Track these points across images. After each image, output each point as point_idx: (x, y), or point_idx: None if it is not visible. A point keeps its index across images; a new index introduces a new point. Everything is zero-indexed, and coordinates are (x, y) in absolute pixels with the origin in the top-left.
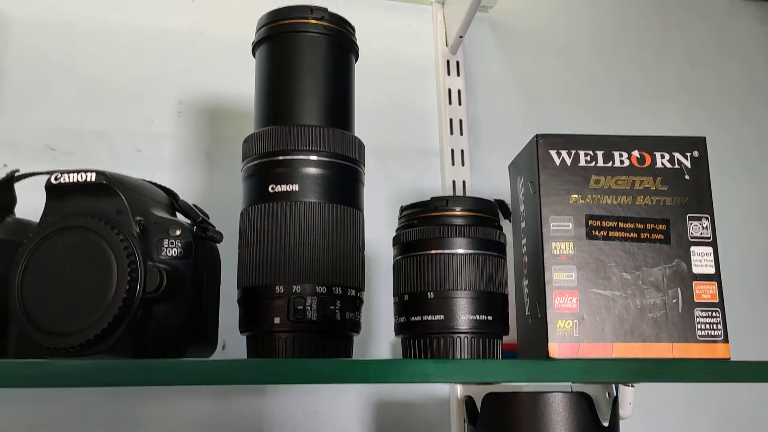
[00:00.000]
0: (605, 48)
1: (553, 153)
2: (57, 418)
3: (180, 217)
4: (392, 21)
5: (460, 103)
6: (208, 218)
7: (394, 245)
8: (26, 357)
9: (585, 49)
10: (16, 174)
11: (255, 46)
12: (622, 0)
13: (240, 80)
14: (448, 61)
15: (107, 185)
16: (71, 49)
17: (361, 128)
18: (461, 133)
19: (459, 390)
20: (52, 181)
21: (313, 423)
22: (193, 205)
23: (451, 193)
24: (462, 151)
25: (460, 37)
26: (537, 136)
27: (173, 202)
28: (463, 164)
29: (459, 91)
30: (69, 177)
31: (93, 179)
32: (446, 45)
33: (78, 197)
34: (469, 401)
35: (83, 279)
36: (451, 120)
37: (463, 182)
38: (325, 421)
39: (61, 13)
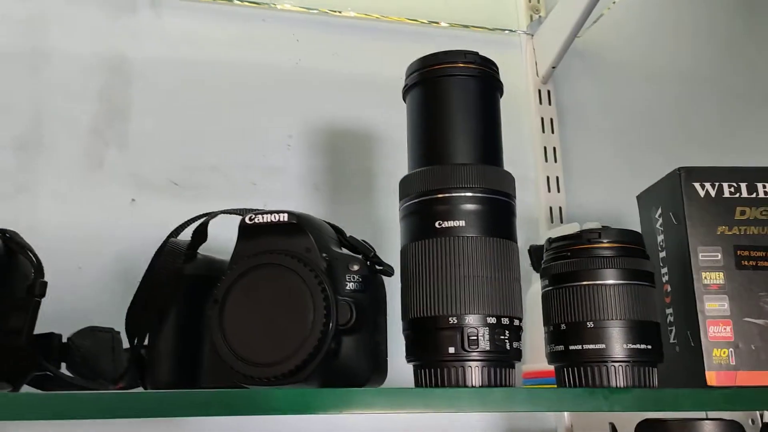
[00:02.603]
0: (690, 71)
1: (696, 185)
2: None
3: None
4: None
5: (552, 131)
6: (375, 252)
7: (542, 276)
8: (221, 385)
9: (671, 73)
10: (211, 215)
11: (407, 91)
12: (705, 23)
13: (343, 114)
14: (539, 91)
15: (297, 224)
16: (190, 88)
17: None
18: (555, 161)
19: (566, 419)
20: (247, 221)
21: None
22: (363, 240)
23: (548, 219)
24: (557, 178)
25: (553, 67)
26: (680, 169)
27: (341, 238)
28: (558, 191)
29: (551, 120)
30: (263, 218)
31: (285, 219)
32: (537, 75)
33: (269, 236)
34: (612, 426)
35: (281, 313)
36: (545, 148)
37: (560, 208)
38: None
39: (180, 55)
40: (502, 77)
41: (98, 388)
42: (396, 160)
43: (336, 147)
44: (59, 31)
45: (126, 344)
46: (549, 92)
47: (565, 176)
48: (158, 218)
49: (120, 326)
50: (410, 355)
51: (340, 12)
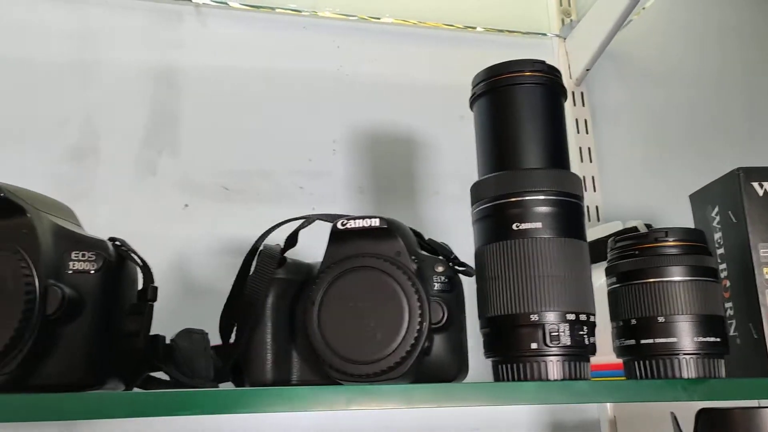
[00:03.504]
0: (719, 72)
1: (755, 185)
2: None
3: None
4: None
5: (587, 132)
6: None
7: (609, 274)
8: (312, 382)
9: (701, 74)
10: (305, 222)
11: (475, 99)
12: (734, 25)
13: (384, 118)
14: (573, 93)
15: (388, 229)
16: (236, 95)
17: None
18: (590, 161)
19: (609, 411)
20: (339, 226)
21: None
22: (441, 243)
23: (586, 218)
24: (593, 178)
25: (587, 69)
26: (739, 169)
27: (420, 241)
28: (594, 190)
29: (585, 121)
30: (355, 223)
31: (377, 225)
32: (570, 77)
33: (361, 240)
34: (673, 416)
35: (377, 313)
36: (580, 148)
37: (596, 207)
38: None
39: (225, 63)
40: None
41: (199, 387)
42: (435, 161)
43: (378, 150)
44: (109, 43)
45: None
46: (582, 94)
47: (600, 175)
48: (210, 222)
49: (174, 329)
50: (489, 351)
51: (378, 18)
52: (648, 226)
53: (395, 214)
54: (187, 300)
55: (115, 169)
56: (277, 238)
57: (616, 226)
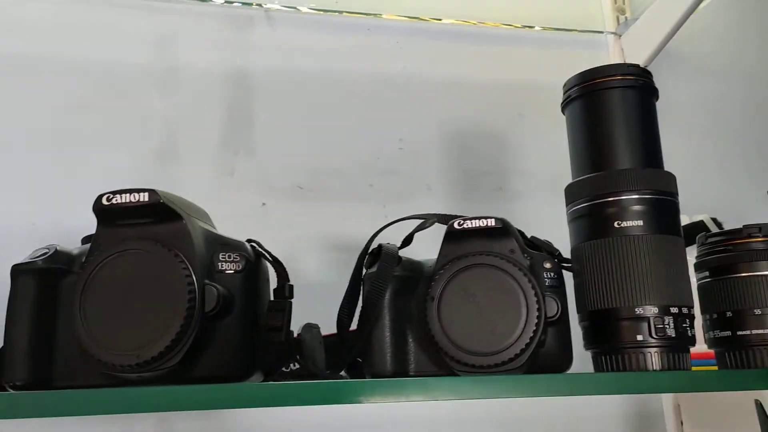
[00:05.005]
0: None
1: None
2: None
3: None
4: (564, 53)
5: None
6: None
7: (700, 269)
8: (427, 373)
9: (759, 71)
10: (424, 223)
11: (568, 103)
12: None
13: (447, 117)
14: None
15: (504, 228)
16: (305, 96)
17: None
18: None
19: (672, 400)
20: (456, 226)
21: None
22: (545, 240)
23: None
24: None
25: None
26: None
27: (524, 239)
28: None
29: None
30: (471, 223)
31: (493, 224)
32: None
33: (477, 239)
34: (758, 403)
35: (495, 308)
36: None
37: None
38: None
39: (295, 66)
40: None
41: (326, 378)
42: (496, 158)
43: (444, 149)
44: (184, 48)
45: None
46: None
47: None
48: (287, 221)
49: None
50: (590, 344)
51: (440, 19)
52: (714, 220)
53: (462, 210)
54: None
55: (195, 171)
56: (342, 234)
57: (683, 221)
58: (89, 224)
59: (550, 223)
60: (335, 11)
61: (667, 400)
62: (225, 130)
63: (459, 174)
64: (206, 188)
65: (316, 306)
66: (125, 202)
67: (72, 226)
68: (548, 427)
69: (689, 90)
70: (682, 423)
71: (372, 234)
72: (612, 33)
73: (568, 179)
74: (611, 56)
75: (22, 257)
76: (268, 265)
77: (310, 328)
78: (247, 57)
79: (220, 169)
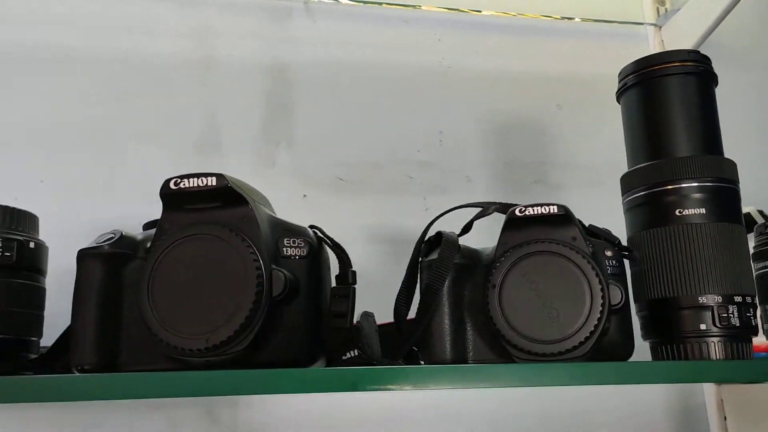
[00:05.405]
0: None
1: None
2: None
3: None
4: (603, 45)
5: None
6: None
7: (759, 259)
8: (486, 360)
9: None
10: (482, 212)
11: (624, 91)
12: None
13: (486, 108)
14: None
15: (566, 215)
16: (345, 88)
17: None
18: None
19: (716, 394)
20: (517, 213)
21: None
22: (603, 228)
23: None
24: None
25: None
26: None
27: (583, 226)
28: None
29: None
30: (533, 210)
31: (555, 211)
32: None
33: (538, 227)
34: None
35: (558, 295)
36: None
37: None
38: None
39: (334, 58)
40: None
41: (384, 364)
42: (534, 150)
43: (483, 140)
44: (223, 41)
45: None
46: None
47: None
48: (329, 212)
49: None
50: (649, 333)
51: (479, 11)
52: (760, 212)
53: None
54: None
55: (237, 162)
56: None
57: None
58: (133, 214)
59: (590, 215)
60: (374, 2)
61: (709, 394)
62: (265, 121)
63: (498, 166)
64: (248, 180)
65: (358, 297)
66: (193, 187)
67: (115, 217)
68: (588, 420)
69: (732, 83)
70: (725, 418)
71: (429, 222)
72: (652, 24)
73: (607, 171)
74: (651, 48)
75: (67, 249)
76: (329, 251)
77: (367, 316)
78: (287, 49)
79: (261, 161)
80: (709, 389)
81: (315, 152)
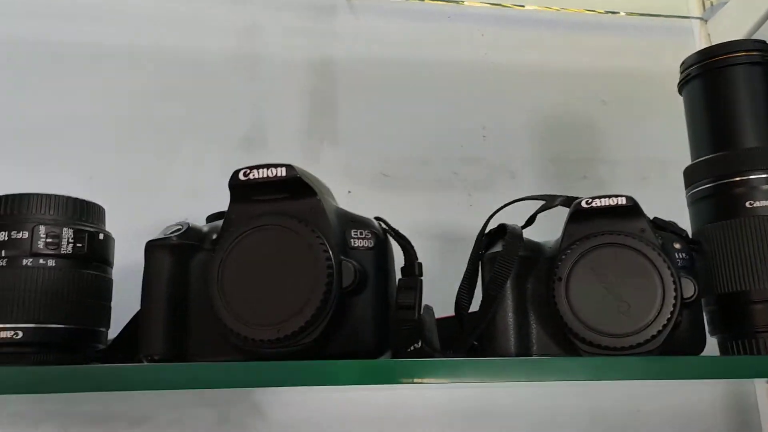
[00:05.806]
0: None
1: None
2: None
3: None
4: (648, 39)
5: None
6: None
7: None
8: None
9: None
10: (546, 204)
11: (687, 82)
12: None
13: (531, 104)
14: None
15: (634, 207)
16: (388, 85)
17: None
18: None
19: (765, 394)
20: (584, 205)
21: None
22: (670, 221)
23: None
24: None
25: None
26: None
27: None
28: None
29: None
30: (600, 201)
31: (623, 203)
32: None
33: (603, 218)
34: None
35: (628, 288)
36: None
37: None
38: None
39: (378, 54)
40: (678, 62)
41: (446, 357)
42: (579, 146)
43: (527, 136)
44: (268, 37)
45: None
46: None
47: None
48: (373, 208)
49: None
50: (718, 328)
51: (522, 6)
52: None
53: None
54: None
55: (282, 158)
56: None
57: None
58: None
59: None
60: None
61: (762, 395)
62: (310, 118)
63: (543, 162)
64: None
65: None
66: (262, 177)
67: (165, 211)
68: (635, 419)
69: None
70: None
71: (489, 215)
72: (698, 18)
73: (653, 166)
74: (697, 42)
75: (124, 242)
76: (393, 242)
77: (428, 309)
78: (331, 45)
79: (306, 157)
80: (761, 390)
81: (359, 148)
